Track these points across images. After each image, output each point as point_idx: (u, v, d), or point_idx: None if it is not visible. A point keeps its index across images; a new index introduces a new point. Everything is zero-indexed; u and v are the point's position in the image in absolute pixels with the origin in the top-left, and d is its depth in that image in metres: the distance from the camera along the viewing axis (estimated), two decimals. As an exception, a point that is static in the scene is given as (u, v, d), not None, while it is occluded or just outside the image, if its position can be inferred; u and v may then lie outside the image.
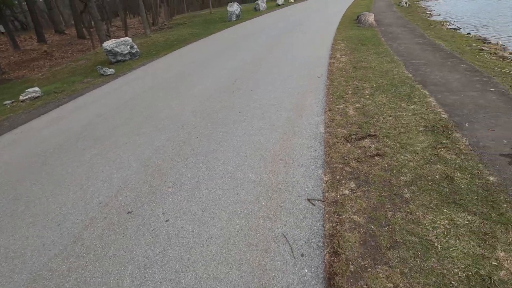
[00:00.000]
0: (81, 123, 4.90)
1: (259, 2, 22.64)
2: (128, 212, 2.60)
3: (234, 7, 17.81)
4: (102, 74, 8.58)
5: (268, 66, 6.69)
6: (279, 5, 25.05)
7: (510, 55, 6.74)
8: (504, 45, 7.66)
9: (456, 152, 2.86)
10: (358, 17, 11.59)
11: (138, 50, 10.68)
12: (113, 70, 8.70)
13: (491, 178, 2.47)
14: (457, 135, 3.15)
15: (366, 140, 3.28)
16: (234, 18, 17.72)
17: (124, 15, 26.97)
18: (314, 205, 2.41)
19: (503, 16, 11.46)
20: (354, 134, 3.41)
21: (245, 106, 4.58)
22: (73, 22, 27.45)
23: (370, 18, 10.79)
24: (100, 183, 3.10)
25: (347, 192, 2.51)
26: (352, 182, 2.63)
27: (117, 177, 3.17)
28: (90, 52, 15.54)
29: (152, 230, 2.37)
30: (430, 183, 2.49)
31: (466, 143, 2.99)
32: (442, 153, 2.88)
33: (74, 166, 3.54)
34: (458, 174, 2.56)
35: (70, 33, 27.72)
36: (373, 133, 3.38)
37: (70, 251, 2.28)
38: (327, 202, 2.43)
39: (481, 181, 2.46)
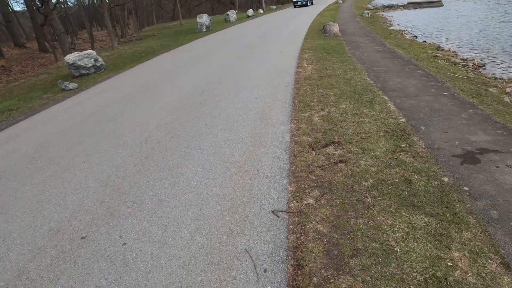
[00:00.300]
0: (36, 142, 4.57)
1: (229, 13, 22.91)
2: (82, 238, 2.41)
3: (204, 19, 17.86)
4: (64, 89, 8.15)
5: (236, 76, 6.69)
6: (249, 16, 25.51)
7: (461, 61, 7.27)
8: (455, 52, 8.25)
9: (414, 155, 2.97)
10: (324, 27, 12.03)
11: (103, 63, 10.31)
12: (76, 84, 8.30)
13: (445, 179, 2.57)
14: (414, 138, 3.28)
15: (330, 147, 3.32)
16: (204, 29, 17.74)
17: (90, 27, 26.09)
18: (278, 216, 2.37)
19: (453, 26, 12.41)
20: (319, 142, 3.45)
21: (212, 117, 4.51)
22: (34, 35, 26.10)
23: (335, 28, 11.23)
24: (52, 207, 2.87)
25: (311, 201, 2.50)
26: (317, 191, 2.63)
27: (72, 199, 2.95)
28: (53, 66, 14.79)
29: (108, 256, 2.20)
30: (390, 187, 2.55)
31: (422, 146, 3.12)
32: (401, 156, 2.97)
33: (24, 190, 3.26)
34: (416, 177, 2.64)
35: (32, 46, 26.32)
36: (337, 140, 3.43)
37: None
38: (291, 212, 2.40)
39: (436, 182, 2.55)
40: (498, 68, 6.66)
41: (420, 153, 2.99)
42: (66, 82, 8.19)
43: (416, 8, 19.71)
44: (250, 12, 26.45)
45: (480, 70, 6.64)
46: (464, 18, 13.64)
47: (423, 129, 3.47)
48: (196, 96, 5.61)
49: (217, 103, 5.11)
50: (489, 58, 7.47)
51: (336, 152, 3.19)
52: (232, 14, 22.91)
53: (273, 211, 2.43)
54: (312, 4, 29.77)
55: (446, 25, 12.66)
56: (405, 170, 2.75)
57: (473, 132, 3.30)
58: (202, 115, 4.66)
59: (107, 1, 16.40)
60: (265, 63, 7.56)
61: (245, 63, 7.94)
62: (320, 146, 3.37)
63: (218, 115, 4.56)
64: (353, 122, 3.81)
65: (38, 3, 16.61)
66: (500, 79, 5.90)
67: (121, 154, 3.74)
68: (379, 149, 3.15)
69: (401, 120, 3.73)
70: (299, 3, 28.31)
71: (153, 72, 8.57)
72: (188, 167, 3.22)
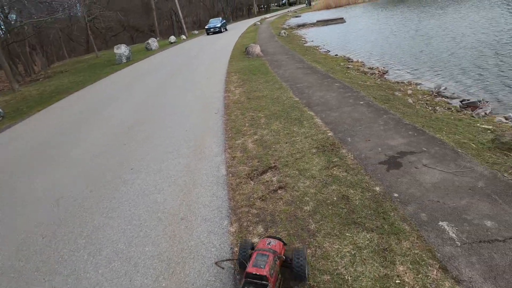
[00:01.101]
0: None
1: (149, 41, 22.24)
2: None
3: (122, 49, 16.92)
4: None
5: (163, 108, 6.31)
6: (172, 42, 25.18)
7: (369, 70, 8.20)
8: (363, 62, 9.31)
9: (346, 169, 3.06)
10: (246, 48, 12.45)
11: (1, 110, 8.76)
12: (-38, 141, 6.78)
13: (377, 189, 2.68)
14: (343, 151, 3.42)
15: (268, 174, 3.23)
16: (124, 60, 16.78)
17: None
18: (223, 268, 2.12)
19: (356, 39, 14.17)
20: (256, 170, 3.34)
21: (138, 159, 4.06)
22: None
23: (257, 49, 11.72)
24: None
25: (256, 240, 2.32)
26: (260, 226, 2.47)
27: (-51, 306, 2.21)
28: None
29: None
30: (330, 207, 2.54)
31: (351, 158, 3.25)
32: (335, 172, 3.03)
33: None
34: (351, 191, 2.70)
35: None
36: (273, 164, 3.37)
37: None
38: (236, 259, 2.17)
39: (370, 193, 2.64)
40: (397, 74, 7.68)
41: (351, 166, 3.10)
42: None
43: (324, 25, 22.08)
44: (172, 38, 26.16)
45: (385, 76, 7.57)
46: (363, 32, 15.73)
47: (349, 140, 3.66)
48: (120, 136, 5.06)
49: (144, 141, 4.67)
50: (389, 64, 8.61)
51: (274, 178, 3.11)
52: (153, 42, 22.29)
53: (216, 263, 2.17)
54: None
55: (350, 39, 14.38)
56: (341, 186, 2.80)
57: (391, 136, 3.60)
58: (127, 158, 4.17)
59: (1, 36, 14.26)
60: (193, 91, 7.35)
61: (172, 92, 7.60)
62: (257, 174, 3.26)
63: (146, 156, 4.13)
64: (286, 143, 3.83)
65: None
66: (401, 83, 6.79)
67: (23, 227, 3.04)
68: (314, 167, 3.18)
69: (329, 134, 3.89)
70: (211, 30, 26.41)
71: (66, 114, 7.58)
72: (113, 227, 2.75)
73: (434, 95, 5.74)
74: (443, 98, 5.53)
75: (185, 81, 8.69)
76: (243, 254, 1.92)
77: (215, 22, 27.68)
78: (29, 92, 12.50)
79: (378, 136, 3.66)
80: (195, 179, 3.32)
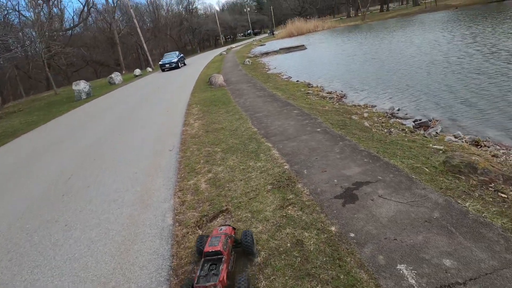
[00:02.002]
0: None
1: (113, 76, 21.76)
2: None
3: (82, 85, 16.27)
4: None
5: (114, 148, 5.86)
6: (137, 75, 24.83)
7: (327, 94, 8.38)
8: (322, 87, 9.57)
9: (301, 207, 2.84)
10: (209, 79, 12.44)
11: None
12: None
13: (333, 229, 2.47)
14: (299, 185, 3.22)
15: (218, 219, 2.92)
16: (83, 96, 16.08)
17: None
18: None
19: (315, 65, 14.78)
20: (206, 215, 3.01)
21: (76, 213, 3.57)
22: None
23: (219, 79, 11.73)
24: None
25: None
26: (204, 289, 2.12)
27: None
28: None
29: None
30: (283, 257, 2.26)
31: (307, 193, 3.05)
32: (289, 211, 2.80)
33: None
34: (306, 234, 2.45)
35: None
36: (225, 208, 3.08)
37: None
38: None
39: (325, 235, 2.41)
40: (354, 96, 7.92)
41: (307, 202, 2.89)
42: None
43: (287, 52, 23.04)
44: (138, 71, 25.84)
45: (343, 100, 7.76)
46: (322, 57, 16.52)
47: (306, 172, 3.49)
48: (59, 185, 4.52)
49: (86, 189, 4.18)
50: (347, 89, 8.89)
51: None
52: (117, 76, 21.80)
53: None
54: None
55: (310, 64, 14.98)
56: (295, 228, 2.55)
57: (347, 165, 3.48)
58: (63, 212, 3.66)
59: None
60: (149, 127, 6.99)
61: (126, 129, 7.19)
62: (207, 220, 2.94)
63: (85, 207, 3.66)
64: (241, 181, 3.57)
65: None
66: (358, 106, 6.95)
67: None
68: (268, 208, 2.92)
69: (285, 167, 3.70)
70: (167, 65, 22.44)
71: (6, 160, 6.83)
72: (26, 308, 2.25)
73: (389, 117, 5.88)
74: (397, 119, 5.66)
75: (143, 117, 8.32)
76: (200, 243, 2.29)
77: (171, 57, 23.81)
78: (-29, 137, 11.35)
79: (334, 166, 3.53)
80: (136, 233, 2.92)
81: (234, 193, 3.31)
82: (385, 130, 5.12)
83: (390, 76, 9.13)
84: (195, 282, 1.92)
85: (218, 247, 2.04)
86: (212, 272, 1.95)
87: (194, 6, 61.55)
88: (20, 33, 27.55)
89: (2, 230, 3.53)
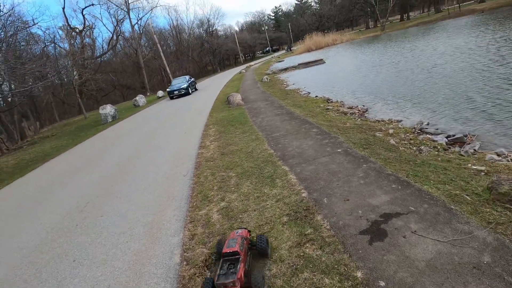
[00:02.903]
0: None
1: (137, 98, 22.66)
2: None
3: (108, 109, 17.01)
4: None
5: (131, 174, 5.83)
6: (160, 97, 25.72)
7: (348, 110, 8.00)
8: (342, 102, 9.20)
9: (321, 245, 2.50)
10: (227, 98, 12.48)
11: (-34, 188, 8.18)
12: None
13: (358, 274, 2.11)
14: (319, 217, 2.89)
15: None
16: (109, 119, 16.76)
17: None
18: None
19: (335, 79, 14.43)
20: (216, 253, 2.75)
21: (85, 246, 3.46)
22: None
23: (237, 98, 11.71)
24: None
25: None
26: None
27: None
28: None
29: None
30: (300, 311, 1.93)
31: (328, 227, 2.71)
32: (307, 251, 2.47)
33: None
34: (327, 281, 2.11)
35: None
36: (237, 244, 2.80)
37: None
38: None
39: (349, 282, 2.06)
40: (378, 111, 7.46)
41: (327, 239, 2.55)
42: None
43: (305, 67, 22.90)
44: (161, 93, 26.80)
45: (365, 115, 7.34)
46: (341, 71, 16.15)
47: (326, 201, 3.15)
48: (75, 215, 4.48)
49: (98, 219, 4.09)
50: (369, 102, 8.46)
51: (235, 265, 2.52)
52: (141, 99, 22.69)
53: None
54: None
55: (330, 79, 14.65)
56: (314, 273, 2.22)
57: (372, 193, 3.10)
58: (73, 245, 3.56)
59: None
60: (166, 150, 6.96)
61: (144, 154, 7.20)
62: (217, 259, 2.67)
63: (95, 240, 3.53)
64: (255, 211, 3.30)
65: None
66: (382, 121, 6.50)
67: None
68: (283, 245, 2.61)
69: (303, 194, 3.38)
70: (175, 92, 19.48)
71: (29, 188, 7.03)
72: None
73: (417, 133, 5.40)
74: (427, 135, 5.17)
75: (162, 139, 8.36)
76: (219, 246, 2.54)
77: (180, 82, 20.69)
78: (6, 163, 12.05)
79: (358, 193, 3.16)
80: (142, 272, 2.71)
81: (247, 226, 3.03)
82: (414, 148, 4.66)
83: (414, 87, 8.59)
84: (216, 280, 2.12)
85: (236, 248, 2.26)
86: (231, 270, 2.17)
87: (214, 28, 63.88)
88: (56, 63, 29.84)
89: (15, 264, 3.48)
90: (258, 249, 2.41)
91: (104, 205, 4.54)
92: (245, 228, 2.60)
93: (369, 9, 56.95)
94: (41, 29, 36.08)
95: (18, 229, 4.53)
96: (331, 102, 9.42)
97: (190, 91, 19.82)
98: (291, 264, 2.37)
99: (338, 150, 4.47)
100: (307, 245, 2.54)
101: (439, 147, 4.55)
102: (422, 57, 13.04)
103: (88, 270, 2.98)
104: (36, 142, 18.23)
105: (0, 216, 5.46)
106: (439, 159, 4.00)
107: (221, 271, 2.18)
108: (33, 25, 26.28)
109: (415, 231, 2.40)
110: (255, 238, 2.54)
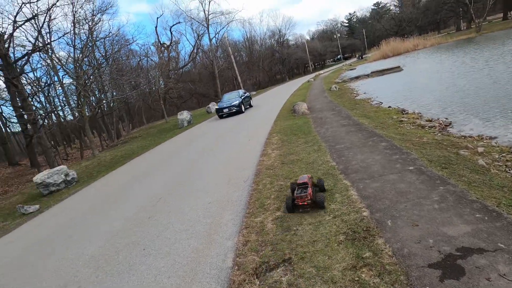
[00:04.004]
0: None
1: (210, 105, 24.51)
2: None
3: (184, 115, 18.82)
4: (24, 213, 7.60)
5: (198, 175, 6.31)
6: (230, 104, 27.27)
7: (427, 122, 7.13)
8: (420, 113, 8.25)
9: (380, 272, 2.27)
10: (293, 107, 12.48)
11: (75, 176, 10.08)
12: (37, 206, 7.80)
13: (423, 314, 1.83)
14: (380, 241, 2.63)
15: (278, 270, 2.61)
16: (185, 124, 18.51)
17: (80, 137, 27.35)
18: None
19: (414, 88, 13.03)
20: (266, 262, 2.75)
21: (154, 237, 3.86)
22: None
23: (303, 107, 11.61)
24: None
25: None
26: None
27: None
28: (31, 184, 14.60)
29: None
30: None
31: (390, 253, 2.44)
32: (363, 276, 2.27)
33: None
34: (383, 314, 1.90)
35: (26, 163, 27.00)
36: (288, 256, 2.75)
37: None
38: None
39: (411, 321, 1.81)
40: (465, 125, 6.45)
41: (387, 267, 2.30)
42: (26, 206, 7.70)
43: (379, 76, 21.35)
44: (231, 100, 28.50)
45: (448, 129, 6.42)
46: (421, 80, 14.49)
47: (390, 224, 2.85)
48: (148, 208, 5.06)
49: (167, 214, 4.53)
50: (454, 115, 7.38)
51: (284, 279, 2.47)
52: (213, 106, 24.44)
53: None
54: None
55: (406, 88, 13.31)
56: (369, 302, 2.02)
57: (449, 221, 2.68)
58: (144, 235, 4.01)
59: (87, 114, 17.50)
60: (230, 154, 7.31)
61: (211, 157, 7.71)
62: (266, 269, 2.67)
63: (162, 233, 3.92)
64: (310, 225, 3.19)
65: (25, 124, 17.52)
66: (469, 137, 5.59)
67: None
68: (337, 265, 2.46)
69: (364, 213, 3.13)
70: (225, 110, 16.51)
71: (117, 181, 8.22)
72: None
73: (518, 153, 4.46)
74: (532, 157, 4.23)
75: (227, 144, 8.83)
76: (293, 186, 3.77)
77: (233, 98, 17.37)
78: (105, 158, 14.39)
79: (430, 219, 2.77)
80: (196, 270, 2.89)
81: (300, 240, 2.96)
82: (511, 171, 3.86)
83: (519, 99, 7.14)
84: (295, 194, 3.52)
85: (306, 180, 3.62)
86: (304, 191, 3.49)
87: (285, 38, 65.01)
88: (147, 74, 34.67)
89: (100, 245, 4.10)
90: (316, 199, 3.43)
91: (173, 202, 5.01)
92: (308, 175, 3.84)
93: (461, 9, 50.13)
94: (138, 46, 42.44)
95: (106, 216, 5.34)
96: (406, 113, 8.54)
97: (243, 109, 16.68)
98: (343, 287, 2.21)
99: (410, 168, 4.01)
100: (364, 270, 2.33)
101: (548, 173, 3.67)
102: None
103: (154, 260, 3.32)
104: (127, 141, 21.30)
105: (95, 203, 6.53)
106: (548, 188, 3.22)
107: (298, 192, 3.53)
108: (132, 42, 31.13)
109: (504, 275, 1.98)
110: (315, 181, 3.91)
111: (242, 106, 16.71)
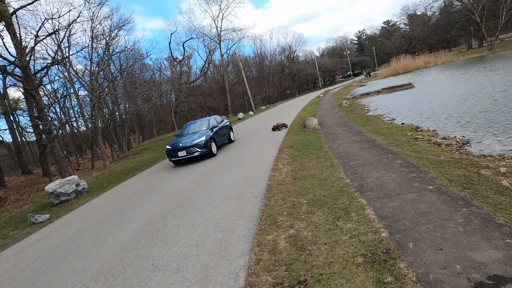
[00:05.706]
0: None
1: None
2: None
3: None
4: (34, 223, 7.63)
5: (207, 189, 6.23)
6: (240, 119, 27.46)
7: (442, 140, 6.95)
8: (435, 131, 8.06)
9: (404, 299, 2.12)
10: (304, 122, 12.43)
11: (85, 186, 10.15)
12: (47, 215, 7.82)
13: None
14: (402, 265, 2.48)
15: (293, 292, 2.48)
16: (195, 137, 18.52)
17: (92, 148, 27.82)
18: None
19: (427, 105, 12.85)
20: (281, 284, 2.62)
21: (162, 253, 3.77)
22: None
23: (314, 122, 11.55)
24: None
25: None
26: None
27: None
28: (42, 193, 14.77)
29: None
30: None
31: (414, 279, 2.29)
32: (386, 303, 2.12)
33: None
34: None
35: (39, 172, 27.52)
36: (303, 278, 2.61)
37: None
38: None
39: None
40: (483, 144, 6.24)
41: (412, 294, 2.14)
42: (36, 215, 7.73)
43: (390, 92, 21.21)
44: (241, 115, 28.70)
45: (465, 147, 6.22)
46: (434, 96, 14.29)
47: (411, 246, 2.70)
48: (158, 221, 4.99)
49: (176, 229, 4.44)
50: (471, 133, 7.18)
51: (300, 302, 2.33)
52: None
53: None
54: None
55: (419, 105, 13.13)
56: (394, 333, 1.87)
57: (476, 245, 2.52)
58: (153, 250, 3.92)
59: (100, 126, 17.85)
60: (241, 170, 7.23)
61: (222, 170, 7.65)
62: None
63: (171, 248, 3.82)
64: (325, 244, 3.05)
65: (40, 134, 17.96)
66: (489, 156, 5.39)
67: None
68: (356, 290, 2.31)
69: (383, 234, 2.99)
70: (181, 154, 9.81)
71: (125, 193, 8.20)
72: None
73: (544, 175, 4.25)
74: (560, 179, 4.01)
75: (237, 159, 8.77)
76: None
77: (198, 131, 10.82)
78: (115, 168, 14.51)
79: (455, 243, 2.61)
80: (207, 289, 2.77)
81: (316, 260, 2.82)
82: (539, 194, 3.65)
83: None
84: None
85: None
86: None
87: (295, 55, 65.92)
88: (159, 88, 35.45)
89: (108, 258, 4.03)
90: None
91: (182, 216, 4.93)
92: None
93: (472, 27, 50.13)
94: (151, 60, 43.79)
95: (115, 227, 5.29)
96: (421, 130, 8.36)
97: (213, 150, 10.06)
98: (364, 315, 2.06)
99: (429, 187, 3.85)
100: (386, 296, 2.18)
101: None
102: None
103: (162, 276, 3.22)
104: (137, 153, 21.51)
105: (104, 214, 6.50)
106: None
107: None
108: (146, 57, 32.09)
109: (543, 308, 1.81)
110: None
111: (213, 145, 10.16)
